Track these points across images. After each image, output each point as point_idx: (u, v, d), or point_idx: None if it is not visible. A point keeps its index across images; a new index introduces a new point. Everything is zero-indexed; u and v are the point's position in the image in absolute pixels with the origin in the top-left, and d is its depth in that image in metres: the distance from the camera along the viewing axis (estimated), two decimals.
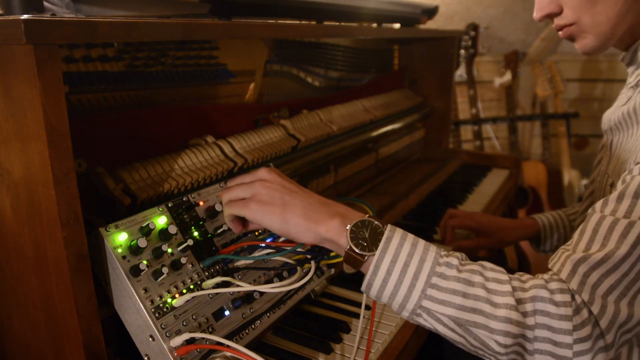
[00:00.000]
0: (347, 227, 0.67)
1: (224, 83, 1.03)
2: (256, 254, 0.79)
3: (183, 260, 0.71)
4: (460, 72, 2.69)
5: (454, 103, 2.74)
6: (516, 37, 3.04)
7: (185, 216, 0.76)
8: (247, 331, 0.77)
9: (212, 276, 0.75)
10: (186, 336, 0.67)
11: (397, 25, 1.58)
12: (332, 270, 0.97)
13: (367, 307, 0.86)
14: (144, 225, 0.69)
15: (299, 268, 0.79)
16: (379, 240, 0.66)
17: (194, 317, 0.70)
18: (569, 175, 2.87)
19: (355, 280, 0.93)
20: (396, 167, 1.71)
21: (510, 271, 0.68)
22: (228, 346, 0.67)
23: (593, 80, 3.19)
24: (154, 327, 0.65)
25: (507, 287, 0.63)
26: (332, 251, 0.73)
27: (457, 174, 1.80)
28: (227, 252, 0.77)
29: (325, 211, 0.70)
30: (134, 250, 0.67)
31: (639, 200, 0.66)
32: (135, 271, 0.65)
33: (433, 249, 0.67)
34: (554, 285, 0.63)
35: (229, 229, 0.79)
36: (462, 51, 2.57)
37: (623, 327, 0.62)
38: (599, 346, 0.61)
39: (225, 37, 0.96)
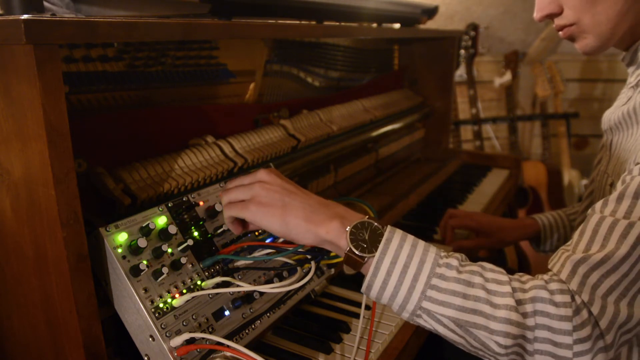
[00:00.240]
0: (347, 229, 0.67)
1: (224, 83, 1.03)
2: (256, 254, 0.79)
3: (183, 260, 0.71)
4: (460, 72, 2.69)
5: (454, 103, 2.74)
6: (516, 37, 3.04)
7: (185, 216, 0.76)
8: (247, 331, 0.77)
9: (212, 276, 0.75)
10: (186, 336, 0.67)
11: (397, 25, 1.58)
12: (332, 270, 0.97)
13: (367, 307, 0.86)
14: (144, 225, 0.69)
15: (299, 268, 0.79)
16: (379, 242, 0.66)
17: (194, 317, 0.70)
18: (569, 175, 2.87)
19: (355, 281, 0.93)
20: (396, 167, 1.71)
21: (510, 271, 0.68)
22: (228, 346, 0.67)
23: (593, 80, 3.19)
24: (154, 327, 0.65)
25: (507, 288, 0.63)
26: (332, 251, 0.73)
27: (457, 174, 1.80)
28: (227, 252, 0.77)
29: (325, 213, 0.70)
30: (134, 250, 0.67)
31: (638, 201, 0.66)
32: (135, 271, 0.65)
33: (433, 250, 0.67)
34: (553, 286, 0.63)
35: (229, 229, 0.79)
36: (462, 51, 2.57)
37: (623, 327, 0.62)
38: (599, 347, 0.61)
39: (225, 37, 0.96)
